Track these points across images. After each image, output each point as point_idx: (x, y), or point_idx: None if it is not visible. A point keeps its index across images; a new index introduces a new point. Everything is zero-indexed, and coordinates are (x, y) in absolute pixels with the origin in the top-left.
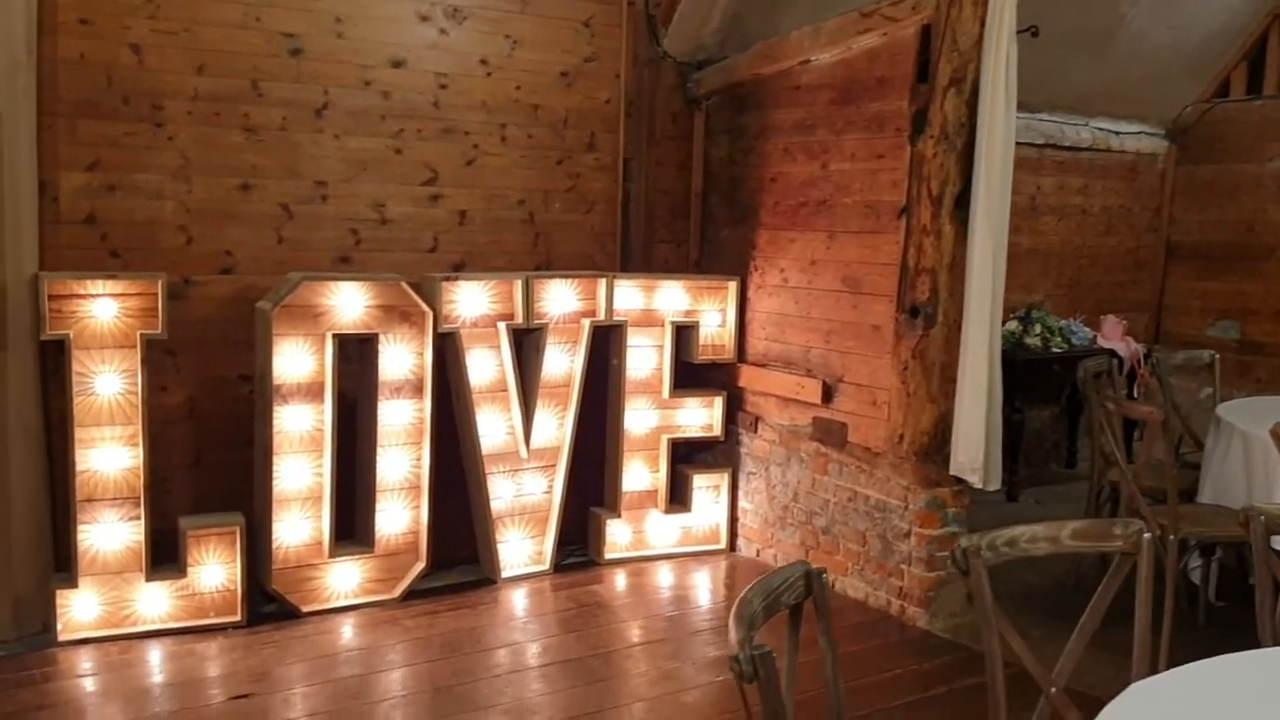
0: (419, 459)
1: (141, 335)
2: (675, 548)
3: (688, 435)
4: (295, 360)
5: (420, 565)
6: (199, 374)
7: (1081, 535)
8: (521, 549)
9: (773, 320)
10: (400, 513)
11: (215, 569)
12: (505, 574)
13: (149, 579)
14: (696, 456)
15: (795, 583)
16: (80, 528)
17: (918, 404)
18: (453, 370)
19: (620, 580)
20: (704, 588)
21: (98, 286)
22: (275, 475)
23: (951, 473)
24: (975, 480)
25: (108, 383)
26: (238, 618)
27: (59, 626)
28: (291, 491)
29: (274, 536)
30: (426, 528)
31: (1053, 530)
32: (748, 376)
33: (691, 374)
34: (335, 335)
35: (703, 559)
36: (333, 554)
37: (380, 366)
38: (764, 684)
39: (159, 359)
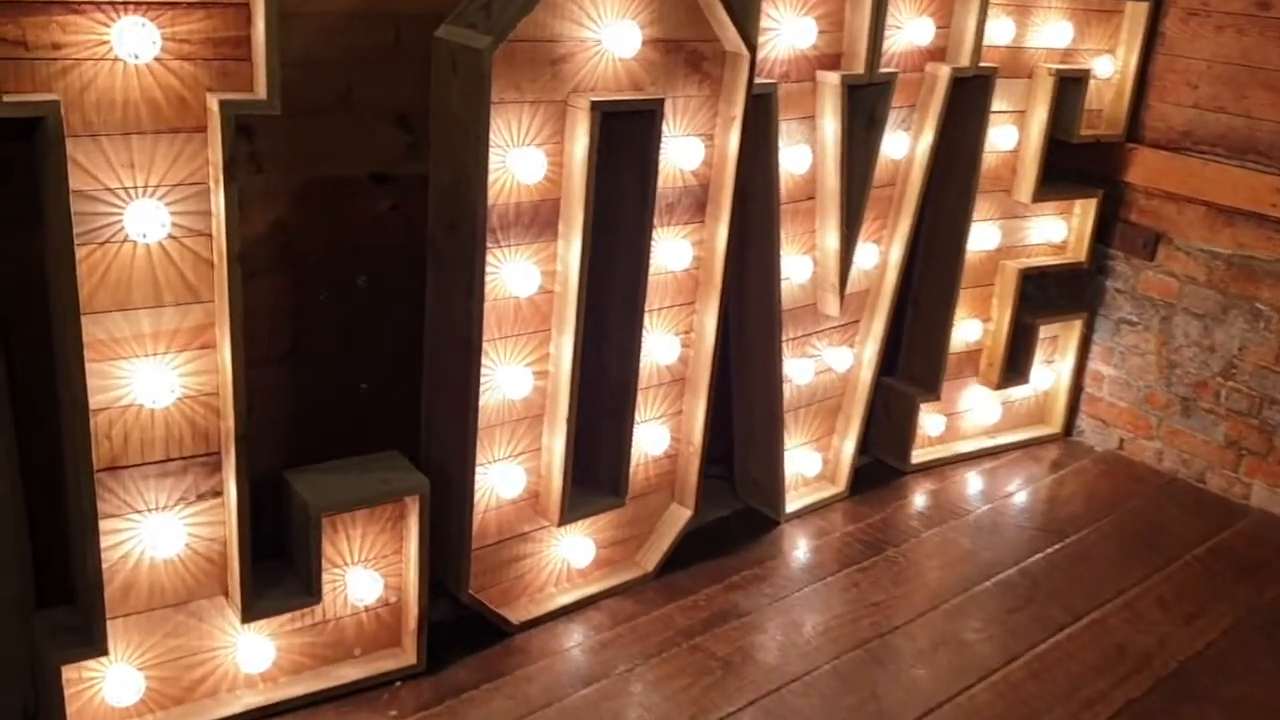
0: (691, 330)
1: (222, 105)
2: (993, 436)
3: (1038, 263)
4: (524, 158)
5: (685, 514)
6: (295, 173)
7: None
8: (806, 461)
9: (1219, 76)
10: (658, 428)
11: (367, 578)
12: (789, 507)
13: (247, 618)
14: None
15: None
16: (105, 525)
17: None
18: (749, 164)
19: (941, 508)
20: (1098, 533)
21: None
22: (484, 381)
23: None
24: None
25: (146, 215)
26: (413, 661)
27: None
28: (498, 410)
29: (475, 496)
30: (699, 448)
31: None
32: (1146, 167)
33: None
34: (597, 105)
35: (1036, 454)
36: (567, 515)
37: (658, 165)
38: None
39: None
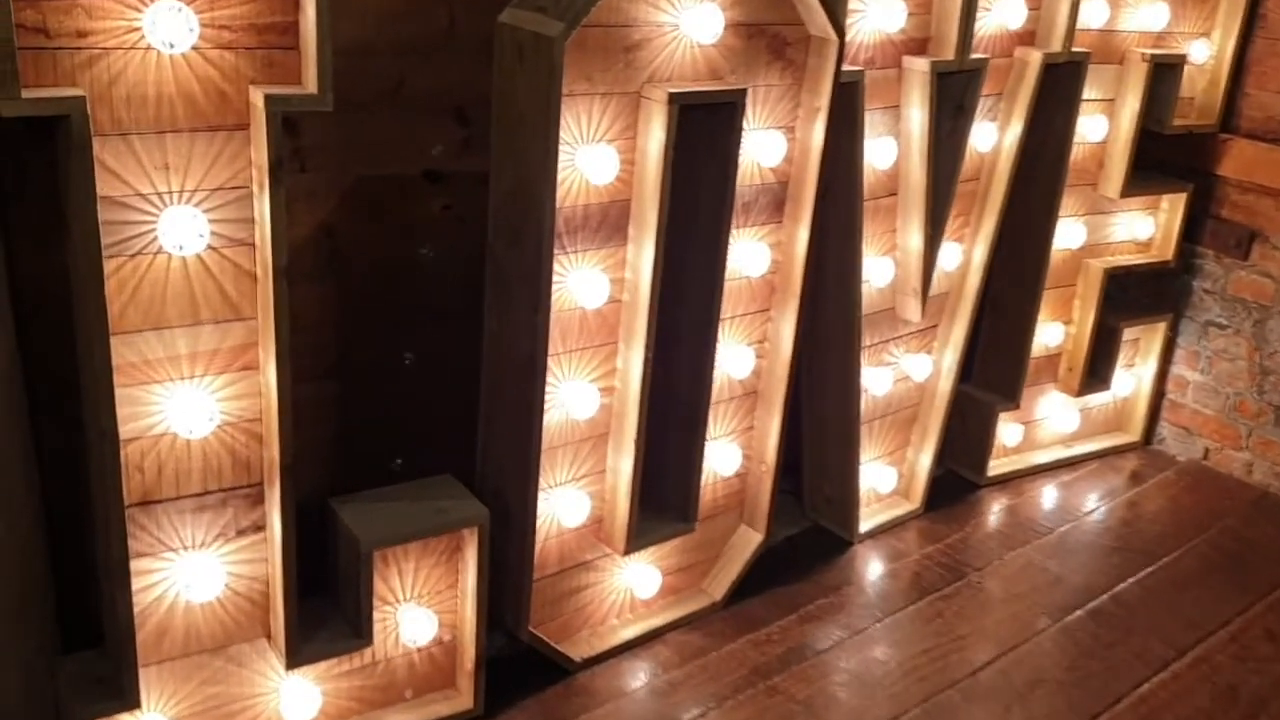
0: (765, 339)
1: (267, 100)
2: (1069, 445)
3: (1123, 261)
4: (595, 155)
5: (756, 538)
6: (343, 172)
7: None
8: (880, 477)
9: None
10: (728, 446)
11: (421, 616)
12: (863, 526)
13: (292, 664)
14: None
15: None
16: (136, 565)
17: None
18: (830, 158)
19: (1021, 525)
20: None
21: None
22: (547, 401)
23: None
24: None
25: (183, 224)
26: (469, 705)
27: None
28: (560, 430)
29: (537, 525)
30: (772, 467)
31: None
32: (1241, 159)
33: None
34: (674, 97)
35: (1115, 464)
36: (634, 542)
37: (738, 162)
38: None
39: None
